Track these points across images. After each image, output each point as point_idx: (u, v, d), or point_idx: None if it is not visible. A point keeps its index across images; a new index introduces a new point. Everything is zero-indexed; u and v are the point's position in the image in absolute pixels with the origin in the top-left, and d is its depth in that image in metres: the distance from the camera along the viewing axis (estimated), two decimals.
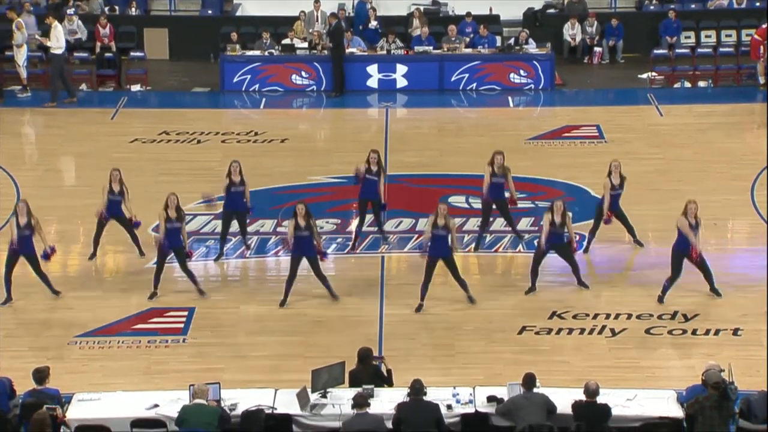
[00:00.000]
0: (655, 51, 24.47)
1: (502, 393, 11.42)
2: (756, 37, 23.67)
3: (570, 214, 14.73)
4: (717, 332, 13.84)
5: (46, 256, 14.62)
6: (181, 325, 14.11)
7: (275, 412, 11.34)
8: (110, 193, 15.51)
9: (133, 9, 25.69)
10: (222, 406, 11.22)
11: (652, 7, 26.01)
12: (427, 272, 14.22)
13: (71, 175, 18.78)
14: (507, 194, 15.94)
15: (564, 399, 11.23)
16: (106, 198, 15.50)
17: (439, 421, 11.07)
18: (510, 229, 16.09)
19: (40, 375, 11.41)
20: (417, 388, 11.14)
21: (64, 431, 11.10)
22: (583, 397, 11.10)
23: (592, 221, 16.00)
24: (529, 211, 17.26)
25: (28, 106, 22.58)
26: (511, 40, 24.19)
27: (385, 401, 11.41)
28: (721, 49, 24.66)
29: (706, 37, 25.42)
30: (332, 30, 23.31)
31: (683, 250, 14.25)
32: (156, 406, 11.38)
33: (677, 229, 14.27)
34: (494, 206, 15.92)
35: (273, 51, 23.77)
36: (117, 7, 25.81)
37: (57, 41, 22.27)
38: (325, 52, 23.55)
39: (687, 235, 14.15)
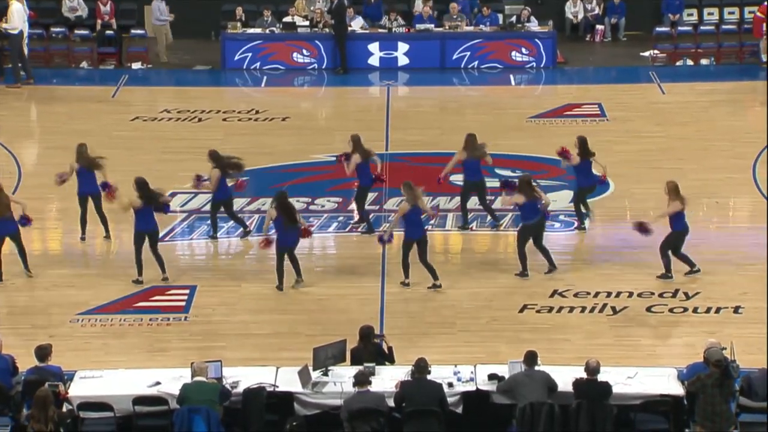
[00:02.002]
0: (658, 29, 24.39)
1: (503, 371, 11.45)
2: (758, 14, 23.59)
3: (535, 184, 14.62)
4: (718, 310, 13.85)
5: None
6: (183, 303, 14.13)
7: (277, 389, 11.37)
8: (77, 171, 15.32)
9: None
10: (223, 383, 11.26)
11: None
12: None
13: (72, 153, 18.72)
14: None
15: (565, 377, 11.25)
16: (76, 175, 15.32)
17: (443, 400, 11.09)
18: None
19: (43, 352, 11.44)
20: (422, 367, 11.16)
21: (67, 408, 11.14)
22: (584, 375, 11.13)
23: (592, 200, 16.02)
24: None
25: (28, 84, 22.50)
26: (513, 18, 24.11)
27: (387, 379, 11.44)
28: (723, 27, 24.58)
29: (709, 14, 25.32)
30: (335, 7, 23.24)
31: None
32: (158, 383, 11.42)
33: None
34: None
35: (274, 29, 23.71)
36: None
37: (14, 21, 21.99)
38: (327, 30, 23.49)
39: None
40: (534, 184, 14.61)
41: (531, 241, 14.54)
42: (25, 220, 14.52)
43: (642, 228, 14.42)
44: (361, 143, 15.77)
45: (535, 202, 14.32)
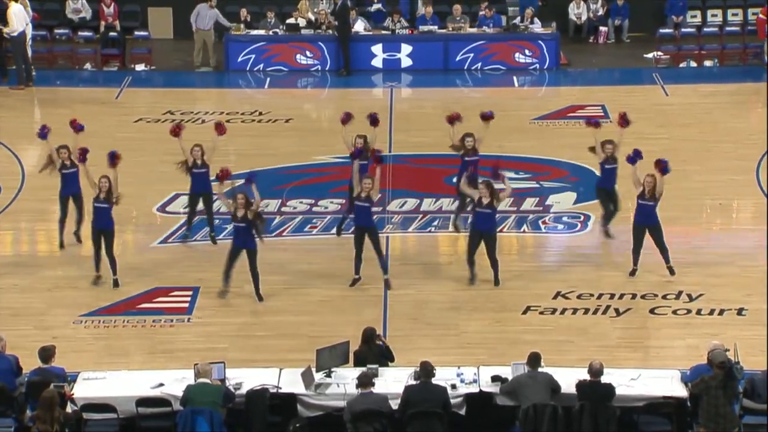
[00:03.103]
0: (661, 30, 24.38)
1: (507, 372, 11.45)
2: (762, 16, 23.56)
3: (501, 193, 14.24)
4: (721, 312, 13.83)
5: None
6: (186, 305, 14.13)
7: (280, 391, 11.37)
8: (63, 167, 15.13)
9: None
10: (226, 385, 11.26)
11: None
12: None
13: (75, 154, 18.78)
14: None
15: (568, 378, 11.25)
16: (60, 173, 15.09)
17: (446, 403, 11.08)
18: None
19: (46, 353, 11.45)
20: (428, 371, 11.14)
21: (72, 409, 11.13)
22: (587, 377, 11.12)
23: (595, 201, 15.98)
24: (534, 191, 17.25)
25: (22, 88, 22.48)
26: (517, 20, 24.09)
27: (390, 381, 11.44)
28: (727, 29, 24.57)
29: (713, 16, 25.32)
30: (338, 8, 23.24)
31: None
32: (161, 385, 11.42)
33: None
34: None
35: (277, 30, 23.72)
36: None
37: (14, 24, 21.85)
38: (330, 31, 23.51)
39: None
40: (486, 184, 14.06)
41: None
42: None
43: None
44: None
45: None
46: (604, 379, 11.11)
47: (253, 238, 13.82)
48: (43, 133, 15.22)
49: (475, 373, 11.58)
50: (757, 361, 11.90)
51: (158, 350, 13.11)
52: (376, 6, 24.73)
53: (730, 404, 10.92)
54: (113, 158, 14.25)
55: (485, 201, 14.01)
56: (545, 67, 23.53)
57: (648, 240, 14.44)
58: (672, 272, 14.37)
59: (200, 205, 15.55)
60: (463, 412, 11.34)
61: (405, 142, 19.44)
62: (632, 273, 14.47)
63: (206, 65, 23.69)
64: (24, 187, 17.48)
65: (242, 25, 23.77)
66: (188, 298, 14.26)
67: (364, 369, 11.44)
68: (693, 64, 23.90)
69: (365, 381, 11.07)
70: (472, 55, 23.53)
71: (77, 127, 15.26)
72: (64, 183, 15.22)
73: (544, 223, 16.29)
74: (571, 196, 17.08)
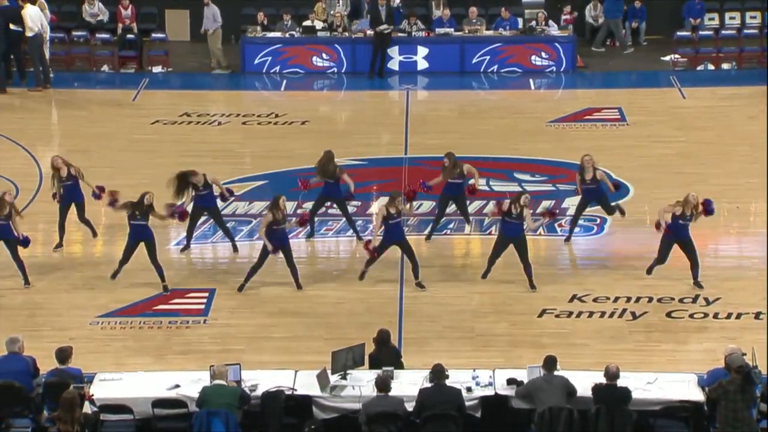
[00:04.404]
0: (678, 33, 24.31)
1: (522, 375, 11.43)
2: None
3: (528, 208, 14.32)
4: (738, 316, 13.78)
5: (97, 196, 15.01)
6: (202, 306, 14.17)
7: (295, 393, 11.38)
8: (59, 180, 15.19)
9: None
10: (242, 386, 11.28)
11: None
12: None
13: (93, 156, 18.83)
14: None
15: (584, 382, 11.22)
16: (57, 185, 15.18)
17: (461, 406, 11.08)
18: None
19: (63, 354, 11.49)
20: (439, 372, 11.13)
21: (92, 410, 11.15)
22: (604, 380, 11.10)
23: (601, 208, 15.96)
24: (550, 194, 17.23)
25: (40, 90, 22.58)
26: (533, 22, 24.07)
27: (405, 383, 11.43)
28: (745, 31, 24.47)
29: (731, 18, 25.22)
30: (387, 12, 23.08)
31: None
32: (177, 386, 11.45)
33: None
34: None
35: (294, 33, 23.77)
36: None
37: (31, 24, 21.90)
38: (346, 34, 23.55)
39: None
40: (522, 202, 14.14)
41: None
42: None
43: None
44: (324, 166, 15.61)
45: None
46: (620, 383, 11.08)
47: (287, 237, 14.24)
48: (96, 195, 15.18)
49: (490, 376, 11.57)
50: None
51: (174, 352, 13.15)
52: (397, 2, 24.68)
53: (748, 409, 10.87)
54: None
55: (515, 212, 14.07)
56: (562, 69, 23.49)
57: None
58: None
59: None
60: (478, 414, 11.33)
61: (421, 144, 19.44)
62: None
63: (219, 67, 23.71)
64: (41, 189, 17.55)
65: (259, 28, 23.82)
66: (204, 300, 14.29)
67: (379, 372, 11.44)
68: (710, 66, 23.81)
69: (382, 385, 11.06)
70: (488, 57, 23.51)
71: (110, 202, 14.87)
72: (66, 193, 15.27)
73: (560, 226, 16.24)
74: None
